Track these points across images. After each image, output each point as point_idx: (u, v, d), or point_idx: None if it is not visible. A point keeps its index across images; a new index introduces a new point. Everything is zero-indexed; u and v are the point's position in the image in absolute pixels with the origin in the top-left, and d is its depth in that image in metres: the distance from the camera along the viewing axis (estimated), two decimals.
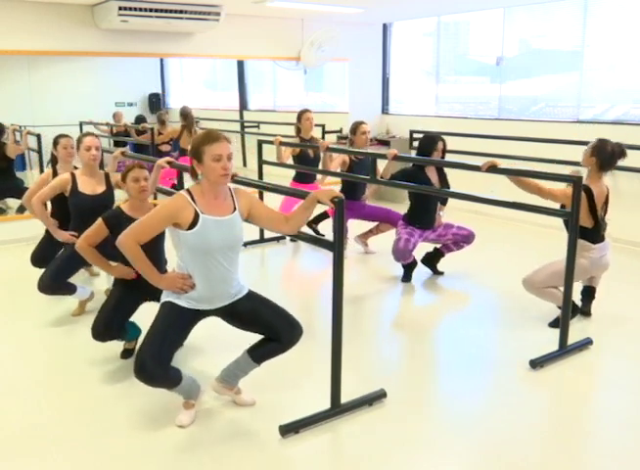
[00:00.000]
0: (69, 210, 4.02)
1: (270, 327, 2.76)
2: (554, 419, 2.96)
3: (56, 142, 4.34)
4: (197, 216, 2.56)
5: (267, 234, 5.94)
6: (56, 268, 3.94)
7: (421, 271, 4.95)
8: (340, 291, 2.70)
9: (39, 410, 2.98)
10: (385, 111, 8.41)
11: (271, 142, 5.67)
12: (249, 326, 2.80)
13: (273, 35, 7.26)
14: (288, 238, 6.04)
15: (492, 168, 3.72)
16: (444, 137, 4.77)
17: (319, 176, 6.06)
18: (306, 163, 5.77)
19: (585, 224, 3.66)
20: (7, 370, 3.42)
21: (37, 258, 4.38)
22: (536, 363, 3.35)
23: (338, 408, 2.85)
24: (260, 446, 2.67)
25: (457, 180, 4.86)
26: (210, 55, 7.12)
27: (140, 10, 5.84)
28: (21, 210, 6.17)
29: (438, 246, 4.92)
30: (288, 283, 5.26)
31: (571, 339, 3.51)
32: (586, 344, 3.61)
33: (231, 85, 8.83)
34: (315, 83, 8.73)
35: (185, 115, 7.16)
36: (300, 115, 5.78)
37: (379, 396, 3.00)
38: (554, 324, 3.81)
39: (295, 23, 7.32)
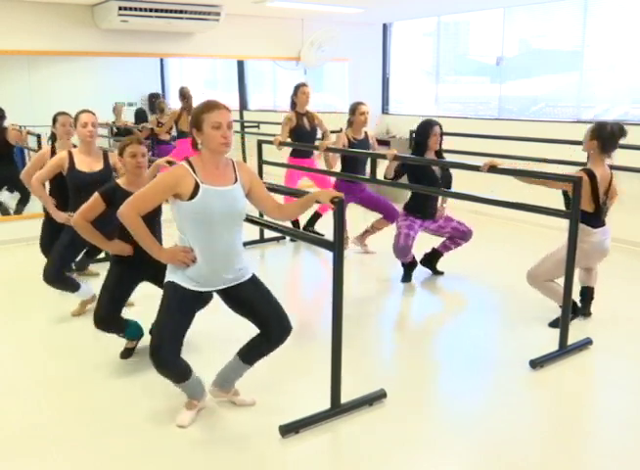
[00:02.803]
0: (68, 188, 3.96)
1: (264, 322, 2.74)
2: (554, 419, 2.96)
3: (54, 120, 4.34)
4: (197, 186, 2.52)
5: (267, 234, 5.95)
6: (58, 257, 3.93)
7: (421, 271, 4.95)
8: (340, 291, 2.70)
9: (39, 410, 2.98)
10: (385, 111, 8.41)
11: (271, 142, 5.69)
12: (242, 312, 2.78)
13: (273, 35, 7.26)
14: (288, 238, 6.05)
15: (493, 168, 3.72)
16: (444, 137, 4.77)
17: (316, 152, 6.05)
18: (303, 135, 5.83)
19: (586, 208, 3.64)
20: (7, 370, 3.42)
21: (46, 248, 4.36)
22: (536, 363, 3.35)
23: (338, 408, 2.85)
24: (260, 446, 2.67)
25: (457, 180, 4.86)
26: (210, 55, 7.12)
27: (140, 10, 5.84)
28: (19, 211, 6.17)
29: (436, 246, 4.91)
30: (288, 283, 5.26)
31: (571, 339, 3.51)
32: (586, 344, 3.61)
33: (231, 85, 8.84)
34: (315, 83, 8.71)
35: (184, 95, 7.07)
36: (297, 88, 5.81)
37: (379, 396, 3.00)
38: (554, 324, 3.81)
39: (295, 23, 7.32)
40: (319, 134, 6.04)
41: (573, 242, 3.35)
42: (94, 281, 4.82)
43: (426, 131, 4.59)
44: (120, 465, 2.56)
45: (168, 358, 2.61)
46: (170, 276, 2.67)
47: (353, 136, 5.35)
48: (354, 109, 5.35)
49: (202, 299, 2.77)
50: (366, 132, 5.44)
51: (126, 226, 2.61)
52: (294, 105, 5.83)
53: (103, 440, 2.72)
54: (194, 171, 2.54)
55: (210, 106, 2.52)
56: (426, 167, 4.58)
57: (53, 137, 4.49)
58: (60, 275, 3.95)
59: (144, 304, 3.93)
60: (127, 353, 3.52)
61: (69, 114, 4.23)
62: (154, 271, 2.79)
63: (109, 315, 3.28)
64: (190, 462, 2.57)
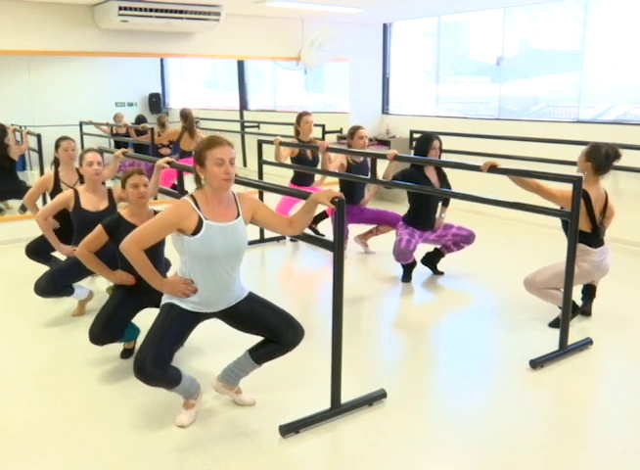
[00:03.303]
0: (73, 226, 4.03)
1: (271, 329, 2.76)
2: (554, 419, 2.96)
3: (57, 145, 4.40)
4: (200, 222, 2.56)
5: (267, 234, 5.94)
6: (56, 273, 3.93)
7: (421, 271, 4.95)
8: (340, 291, 2.70)
9: (39, 410, 2.98)
10: (385, 111, 8.41)
11: (271, 142, 5.67)
12: (249, 328, 2.81)
13: (273, 35, 7.26)
14: (288, 238, 6.05)
15: (492, 169, 3.72)
16: (444, 137, 4.77)
17: (317, 178, 6.05)
18: (305, 165, 5.77)
19: (584, 229, 3.67)
20: (7, 370, 3.42)
21: (32, 250, 4.40)
22: (536, 363, 3.35)
23: (338, 408, 2.85)
24: (260, 445, 2.67)
25: (457, 180, 4.86)
26: (210, 55, 7.12)
27: (140, 10, 5.85)
28: (23, 209, 6.17)
29: (438, 246, 4.92)
30: (288, 283, 5.26)
31: (571, 339, 3.51)
32: (586, 344, 3.61)
33: (231, 85, 8.84)
34: (315, 83, 8.73)
35: (185, 116, 7.16)
36: (299, 117, 5.78)
37: (379, 396, 3.00)
38: (554, 324, 3.81)
39: (295, 22, 7.32)
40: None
41: (573, 242, 3.34)
42: (95, 281, 4.82)
43: (425, 145, 4.61)
44: (120, 465, 2.56)
45: (152, 373, 2.59)
46: (169, 298, 2.70)
47: (352, 159, 5.34)
48: (353, 133, 5.33)
49: (198, 319, 2.76)
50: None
51: (129, 260, 2.64)
52: (297, 133, 5.80)
53: (102, 439, 2.72)
54: (197, 207, 2.57)
55: (214, 142, 2.54)
56: (424, 181, 4.57)
57: (56, 162, 4.52)
58: (49, 291, 3.90)
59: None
60: (127, 354, 3.52)
61: (72, 138, 4.31)
62: (156, 299, 2.83)
63: (103, 335, 3.27)
64: (190, 462, 2.56)
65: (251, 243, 5.75)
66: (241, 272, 2.79)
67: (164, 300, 2.73)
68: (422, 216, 4.72)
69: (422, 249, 4.91)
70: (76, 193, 4.01)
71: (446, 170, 4.78)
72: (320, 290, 4.86)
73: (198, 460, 2.57)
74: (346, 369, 2.87)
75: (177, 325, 2.67)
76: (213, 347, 3.56)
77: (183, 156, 6.98)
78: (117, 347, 3.52)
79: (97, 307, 3.92)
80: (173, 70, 8.54)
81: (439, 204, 4.81)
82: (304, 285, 5.14)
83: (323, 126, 7.20)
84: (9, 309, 4.35)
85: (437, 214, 4.80)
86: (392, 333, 4.09)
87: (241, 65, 8.60)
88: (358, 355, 3.52)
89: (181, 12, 6.06)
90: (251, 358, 2.82)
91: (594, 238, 3.75)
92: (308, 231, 5.65)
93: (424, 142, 4.65)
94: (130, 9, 5.79)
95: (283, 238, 6.07)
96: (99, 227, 3.35)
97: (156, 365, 2.58)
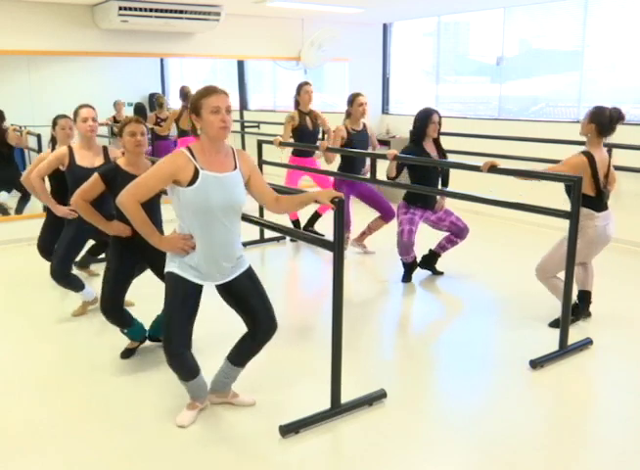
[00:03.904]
0: (68, 184, 3.93)
1: (254, 318, 2.75)
2: (554, 419, 2.96)
3: (54, 123, 4.32)
4: (197, 172, 2.51)
5: (267, 234, 5.94)
6: (63, 252, 3.94)
7: (421, 271, 4.94)
8: (340, 291, 2.70)
9: (39, 410, 2.98)
10: (385, 111, 8.41)
11: (271, 142, 5.69)
12: (238, 309, 2.79)
13: (273, 35, 7.26)
14: (288, 238, 6.05)
15: (492, 169, 3.72)
16: (444, 137, 4.76)
17: (317, 152, 6.04)
18: (305, 134, 5.83)
19: (588, 192, 3.64)
20: (7, 370, 3.42)
21: (42, 249, 4.39)
22: (536, 363, 3.35)
23: (338, 408, 2.85)
24: (260, 446, 2.67)
25: (457, 180, 4.86)
26: (210, 55, 7.12)
27: (140, 10, 5.85)
28: (20, 209, 6.17)
29: (433, 247, 4.90)
30: (288, 283, 5.26)
31: (571, 339, 3.51)
32: (586, 344, 3.61)
33: (231, 85, 8.83)
34: (315, 83, 8.70)
35: (185, 94, 7.07)
36: (300, 87, 5.81)
37: (379, 396, 3.00)
38: (554, 324, 3.81)
39: (295, 22, 7.32)
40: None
41: (573, 242, 3.34)
42: (92, 282, 4.83)
43: (424, 119, 4.57)
44: (120, 465, 2.56)
45: (180, 350, 2.65)
46: (171, 265, 2.65)
47: (352, 127, 5.35)
48: (352, 100, 5.34)
49: (202, 291, 2.73)
50: (364, 123, 5.44)
51: (125, 215, 2.60)
52: (297, 104, 5.83)
53: (102, 439, 2.72)
54: (193, 158, 2.53)
55: (209, 90, 2.51)
56: (424, 155, 4.54)
57: (53, 140, 4.49)
58: (66, 270, 3.97)
59: (144, 305, 3.94)
60: (128, 354, 3.51)
61: (69, 116, 4.22)
62: (153, 253, 2.77)
63: (116, 298, 3.29)
64: (190, 462, 2.56)
65: (250, 243, 5.79)
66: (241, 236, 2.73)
67: (167, 267, 2.67)
68: (422, 193, 4.66)
69: (420, 251, 4.91)
70: (71, 150, 3.94)
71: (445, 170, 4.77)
72: (320, 290, 4.86)
73: (197, 460, 2.57)
74: (346, 369, 2.87)
75: (189, 300, 2.65)
76: (212, 347, 3.57)
77: (182, 135, 6.94)
78: (118, 347, 3.52)
79: (97, 308, 3.93)
80: (173, 69, 8.53)
81: (439, 182, 4.76)
82: (304, 285, 5.14)
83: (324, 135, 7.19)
84: (9, 309, 4.35)
85: (438, 196, 4.74)
86: (392, 333, 4.09)
87: (241, 65, 8.60)
88: (358, 355, 3.52)
89: (181, 12, 6.06)
90: (232, 364, 2.85)
91: (598, 202, 3.72)
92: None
93: (422, 117, 4.60)
94: (130, 9, 5.79)
95: (283, 238, 6.07)
96: (95, 176, 3.28)
97: (181, 342, 2.63)
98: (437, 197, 4.74)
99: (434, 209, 4.72)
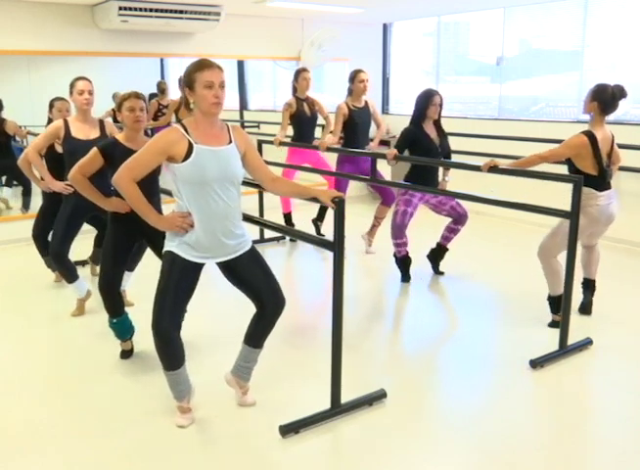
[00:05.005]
0: (64, 158, 3.91)
1: (259, 296, 2.74)
2: (554, 419, 2.96)
3: (51, 105, 4.31)
4: (191, 147, 2.49)
5: (267, 234, 5.94)
6: (61, 228, 3.92)
7: (421, 271, 4.94)
8: (340, 291, 2.70)
9: (39, 410, 2.98)
10: (385, 111, 8.41)
11: (271, 142, 5.69)
12: (242, 288, 2.76)
13: (273, 35, 7.26)
14: (288, 238, 6.05)
15: (493, 169, 3.72)
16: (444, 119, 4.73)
17: (317, 136, 6.03)
18: (303, 120, 5.82)
19: (590, 171, 3.64)
20: (7, 370, 3.42)
21: (36, 236, 4.41)
22: (536, 363, 3.35)
23: (338, 408, 2.85)
24: (260, 446, 2.67)
25: (457, 180, 4.85)
26: (210, 55, 7.01)
27: (140, 10, 5.85)
28: (26, 204, 6.16)
29: (439, 241, 4.88)
30: (288, 283, 5.25)
31: (571, 339, 3.51)
32: (586, 344, 3.61)
33: (231, 85, 8.83)
34: (315, 83, 8.71)
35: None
36: (297, 74, 5.79)
37: (379, 396, 3.00)
38: (554, 324, 3.81)
39: (295, 22, 7.32)
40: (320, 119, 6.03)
41: (573, 242, 3.34)
42: (95, 281, 4.82)
43: (425, 100, 4.53)
44: (120, 465, 2.56)
45: (169, 330, 2.59)
46: (169, 245, 2.62)
47: (353, 104, 5.34)
48: (354, 76, 5.32)
49: (201, 267, 2.68)
50: (366, 101, 5.42)
51: (122, 194, 2.58)
52: (294, 90, 5.82)
53: (102, 439, 2.72)
54: (187, 133, 2.51)
55: (203, 65, 2.49)
56: (424, 137, 4.54)
57: (50, 122, 4.46)
58: (66, 250, 3.93)
59: (144, 305, 3.94)
60: (126, 354, 3.51)
61: (67, 99, 4.18)
62: (151, 231, 2.75)
63: (115, 274, 3.30)
64: (190, 462, 2.56)
65: None
66: (241, 214, 2.71)
67: (166, 246, 2.64)
68: (423, 173, 4.61)
69: (422, 247, 4.91)
70: (66, 122, 3.91)
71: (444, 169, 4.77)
72: (320, 290, 4.86)
73: (197, 460, 2.58)
74: (347, 369, 2.87)
75: (184, 281, 2.61)
76: (211, 345, 3.57)
77: None
78: (117, 347, 3.52)
79: (97, 308, 3.93)
80: (173, 69, 8.53)
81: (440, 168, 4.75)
82: (304, 285, 5.14)
83: (323, 126, 7.19)
84: (9, 309, 4.35)
85: (440, 178, 4.73)
86: (392, 333, 4.09)
87: (241, 65, 8.60)
88: (358, 355, 3.52)
89: (181, 12, 6.06)
90: (249, 346, 2.82)
91: (600, 181, 3.69)
92: (309, 231, 5.63)
93: (423, 98, 4.55)
94: (130, 9, 5.80)
95: (283, 238, 6.07)
96: (94, 150, 3.23)
97: (171, 320, 2.58)
98: (439, 178, 4.72)
99: (435, 187, 4.66)
